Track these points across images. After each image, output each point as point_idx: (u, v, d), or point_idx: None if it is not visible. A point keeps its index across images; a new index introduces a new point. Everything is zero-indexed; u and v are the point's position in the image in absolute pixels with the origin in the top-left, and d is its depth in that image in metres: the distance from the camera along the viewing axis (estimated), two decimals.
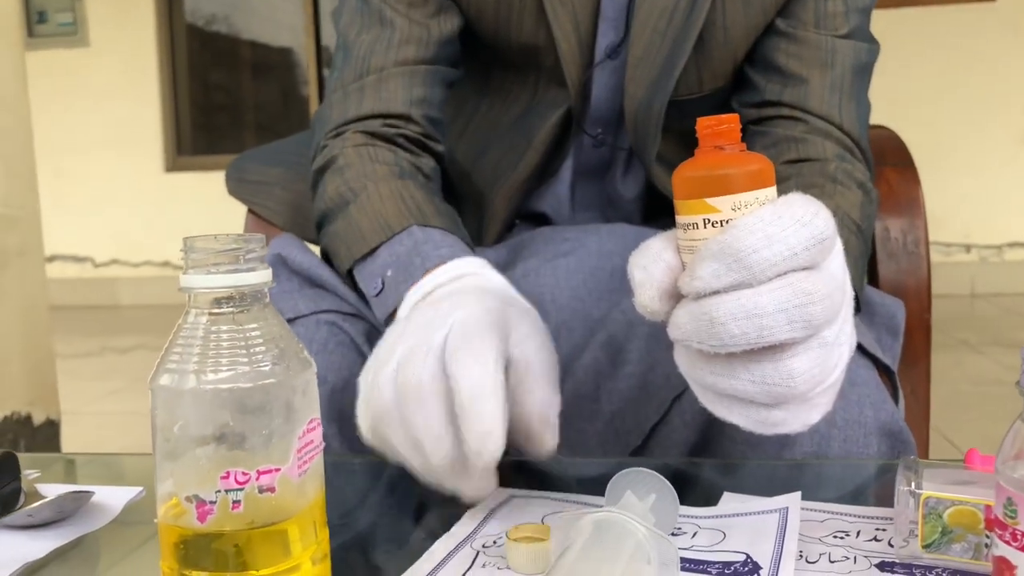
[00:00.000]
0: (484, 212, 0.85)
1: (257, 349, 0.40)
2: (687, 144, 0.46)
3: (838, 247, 0.42)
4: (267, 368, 0.39)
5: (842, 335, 0.42)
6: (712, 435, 0.65)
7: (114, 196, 4.56)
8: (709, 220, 0.40)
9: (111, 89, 4.72)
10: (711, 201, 0.40)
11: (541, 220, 0.88)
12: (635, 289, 0.42)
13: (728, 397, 0.42)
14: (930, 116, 4.16)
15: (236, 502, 0.38)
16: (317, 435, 0.42)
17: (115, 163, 4.57)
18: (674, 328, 0.41)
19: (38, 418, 1.83)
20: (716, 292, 0.39)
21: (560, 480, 0.62)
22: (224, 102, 5.22)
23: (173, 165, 4.66)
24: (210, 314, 0.40)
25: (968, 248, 4.35)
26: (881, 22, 0.84)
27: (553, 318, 0.77)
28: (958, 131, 4.26)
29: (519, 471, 0.65)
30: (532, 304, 0.79)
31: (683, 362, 0.43)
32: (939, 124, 4.21)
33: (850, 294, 0.44)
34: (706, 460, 0.64)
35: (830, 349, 0.41)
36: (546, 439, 0.51)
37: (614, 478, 0.46)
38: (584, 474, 0.59)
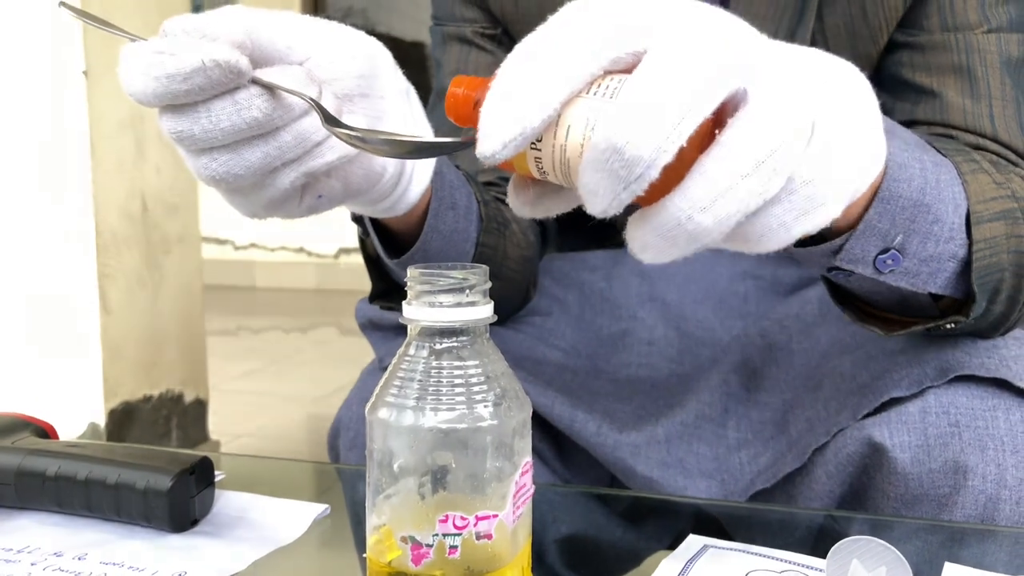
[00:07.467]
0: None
1: (478, 388, 0.38)
2: None
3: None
4: (488, 409, 0.38)
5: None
6: (861, 488, 0.60)
7: None
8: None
9: None
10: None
11: None
12: None
13: None
14: None
15: (453, 547, 0.37)
16: (529, 478, 0.40)
17: None
18: None
19: (188, 397, 1.92)
20: None
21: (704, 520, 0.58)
22: None
23: None
24: (431, 348, 0.39)
25: None
26: None
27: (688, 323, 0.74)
28: None
29: (688, 515, 0.62)
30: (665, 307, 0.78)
31: None
32: None
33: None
34: (855, 515, 0.59)
35: None
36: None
37: (836, 546, 0.43)
38: (735, 515, 0.55)
